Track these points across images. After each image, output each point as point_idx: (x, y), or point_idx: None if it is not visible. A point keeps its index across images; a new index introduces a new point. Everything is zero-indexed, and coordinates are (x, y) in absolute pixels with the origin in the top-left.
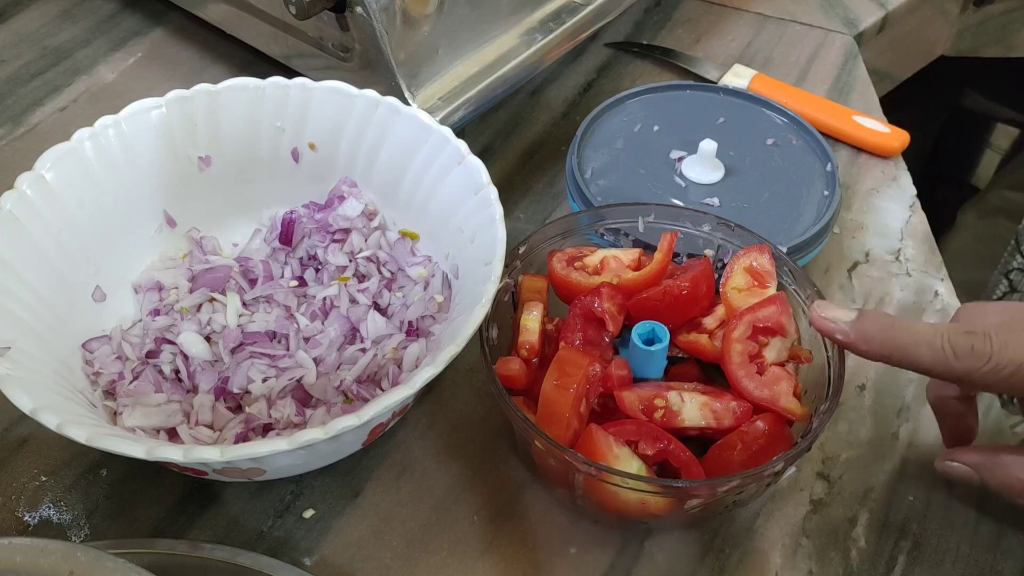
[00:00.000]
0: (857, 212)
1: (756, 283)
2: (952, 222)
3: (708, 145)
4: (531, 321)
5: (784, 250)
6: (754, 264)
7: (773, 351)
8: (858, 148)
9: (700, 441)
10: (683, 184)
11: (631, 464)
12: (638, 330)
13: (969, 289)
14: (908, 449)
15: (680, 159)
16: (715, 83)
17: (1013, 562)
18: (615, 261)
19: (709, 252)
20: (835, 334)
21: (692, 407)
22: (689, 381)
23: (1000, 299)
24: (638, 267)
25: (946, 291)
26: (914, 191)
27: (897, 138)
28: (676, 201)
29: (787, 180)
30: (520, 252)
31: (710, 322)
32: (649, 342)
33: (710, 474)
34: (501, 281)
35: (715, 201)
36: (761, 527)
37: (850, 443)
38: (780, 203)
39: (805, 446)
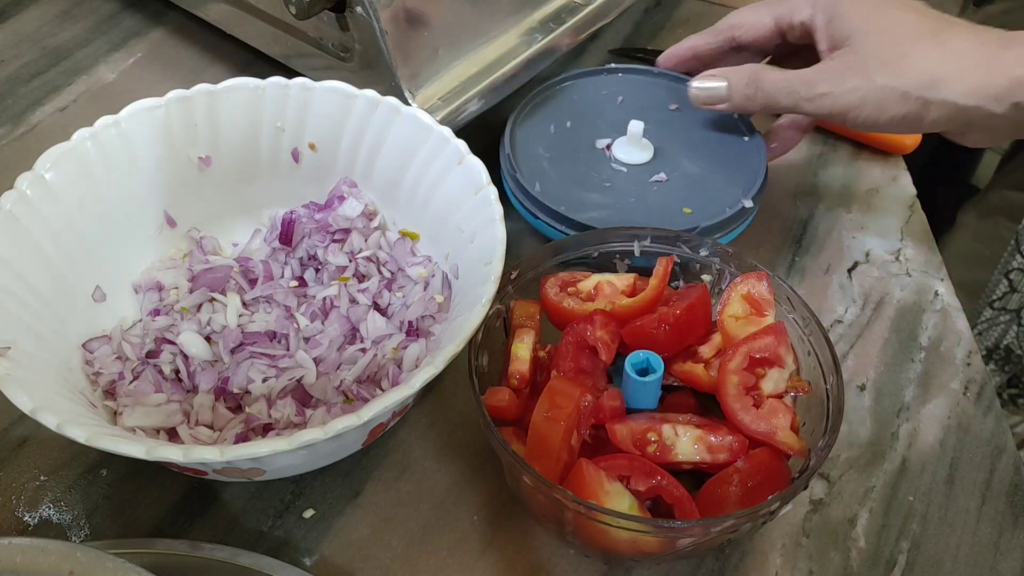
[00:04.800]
0: (857, 212)
1: (754, 311)
2: (952, 222)
3: (636, 126)
4: (522, 349)
5: (751, 203)
6: (752, 291)
7: (770, 383)
8: (860, 145)
9: (695, 474)
10: (623, 169)
11: (623, 500)
12: (632, 360)
13: (969, 289)
14: (908, 449)
15: (608, 146)
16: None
17: (1013, 562)
18: (609, 287)
19: (707, 278)
20: (717, 107)
21: (686, 441)
22: (684, 411)
23: (1000, 299)
24: (633, 293)
25: (946, 291)
26: (914, 191)
27: (910, 135)
28: (625, 185)
29: (707, 138)
30: (512, 277)
31: (706, 351)
32: (643, 372)
33: (704, 510)
34: (492, 307)
35: (662, 176)
36: (761, 527)
37: (850, 443)
38: (716, 162)
39: (802, 484)
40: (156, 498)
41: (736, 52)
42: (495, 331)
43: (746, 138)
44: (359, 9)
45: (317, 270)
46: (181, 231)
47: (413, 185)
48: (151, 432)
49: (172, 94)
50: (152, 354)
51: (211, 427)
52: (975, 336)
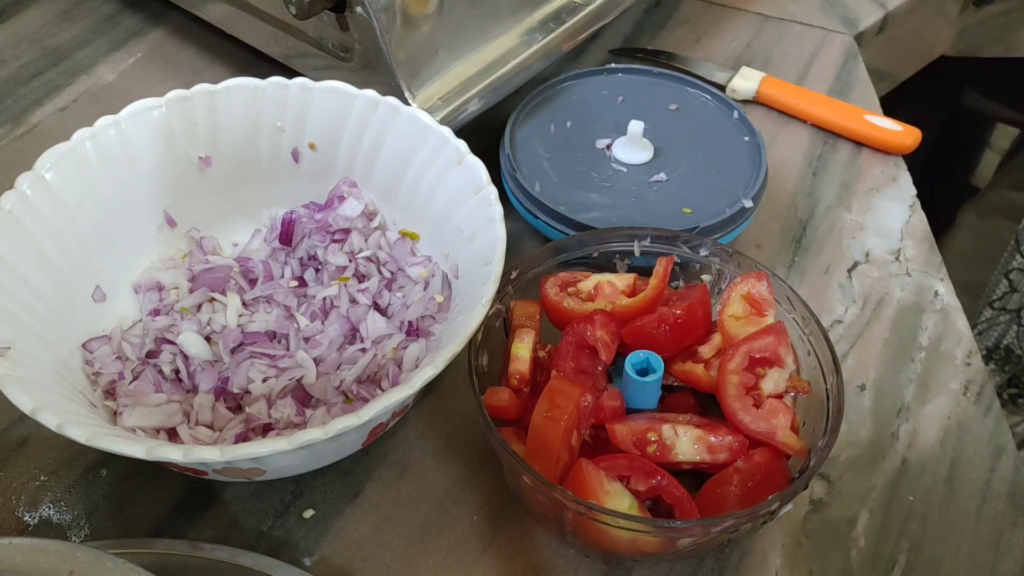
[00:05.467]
0: (857, 212)
1: (754, 311)
2: (952, 222)
3: (636, 126)
4: (522, 349)
5: (751, 203)
6: (752, 291)
7: (770, 383)
8: (860, 145)
9: (695, 474)
10: (623, 169)
11: (623, 501)
12: (631, 360)
13: (969, 289)
14: (908, 449)
15: (608, 146)
16: (723, 87)
17: (1013, 562)
18: (609, 287)
19: (707, 278)
20: None
21: (686, 441)
22: (684, 411)
23: (1000, 299)
24: (633, 293)
25: (946, 291)
26: (914, 191)
27: (910, 135)
28: (625, 185)
29: (707, 138)
30: (512, 277)
31: (706, 351)
32: (643, 372)
33: (705, 510)
34: (492, 307)
35: (662, 176)
36: (761, 527)
37: (850, 443)
38: (716, 162)
39: (802, 484)
40: (156, 498)
41: None
42: (495, 331)
43: (746, 138)
44: (359, 9)
45: (317, 270)
46: (181, 231)
47: (413, 185)
48: (151, 432)
49: (172, 94)
50: (152, 354)
51: (211, 427)
52: (975, 336)
